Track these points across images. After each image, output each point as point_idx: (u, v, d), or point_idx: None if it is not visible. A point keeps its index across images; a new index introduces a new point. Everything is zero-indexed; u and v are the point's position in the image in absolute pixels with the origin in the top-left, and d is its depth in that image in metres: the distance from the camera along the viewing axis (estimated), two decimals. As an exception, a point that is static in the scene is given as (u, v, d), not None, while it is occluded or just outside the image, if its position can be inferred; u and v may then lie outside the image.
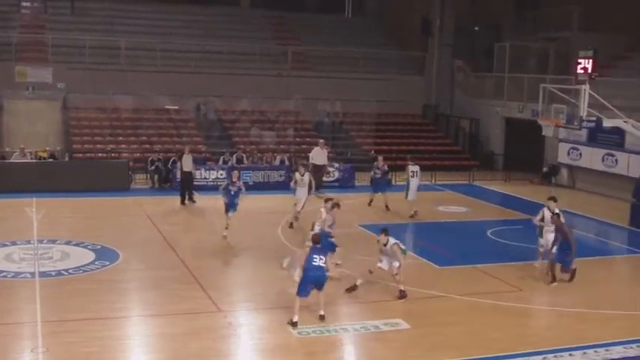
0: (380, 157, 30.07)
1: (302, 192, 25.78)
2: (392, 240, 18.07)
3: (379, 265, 18.25)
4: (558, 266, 19.67)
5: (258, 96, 39.26)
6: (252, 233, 24.24)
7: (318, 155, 32.02)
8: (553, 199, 20.53)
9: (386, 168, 29.46)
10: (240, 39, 42.17)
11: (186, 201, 29.00)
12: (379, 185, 29.22)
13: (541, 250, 20.54)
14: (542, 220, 20.21)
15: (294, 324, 15.70)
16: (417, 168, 27.76)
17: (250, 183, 31.76)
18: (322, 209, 20.21)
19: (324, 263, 16.32)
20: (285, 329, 15.49)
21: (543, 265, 20.24)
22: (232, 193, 23.62)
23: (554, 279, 19.50)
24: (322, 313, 16.23)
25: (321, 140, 33.12)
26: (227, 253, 21.60)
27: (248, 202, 29.07)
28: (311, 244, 16.70)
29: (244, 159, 33.45)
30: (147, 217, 26.39)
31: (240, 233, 24.01)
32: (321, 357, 14.42)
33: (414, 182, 27.46)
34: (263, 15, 46.46)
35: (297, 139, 38.23)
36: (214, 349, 14.58)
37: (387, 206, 28.54)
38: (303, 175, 25.94)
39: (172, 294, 17.83)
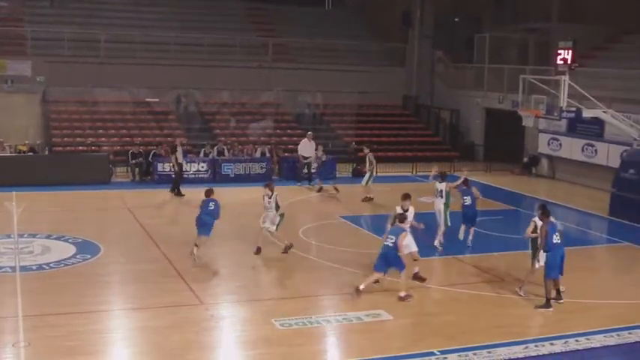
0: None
1: None
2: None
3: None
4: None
5: (239, 88, 39.20)
6: (234, 226, 24.18)
7: (306, 147, 32.08)
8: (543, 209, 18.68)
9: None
10: (220, 31, 42.03)
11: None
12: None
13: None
14: (535, 231, 19.18)
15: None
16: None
17: (232, 175, 31.80)
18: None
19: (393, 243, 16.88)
20: (267, 321, 15.49)
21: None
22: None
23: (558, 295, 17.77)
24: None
25: (310, 132, 33.14)
26: (210, 246, 21.52)
27: (230, 194, 29.12)
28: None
29: (225, 151, 33.41)
30: (128, 211, 26.30)
31: (222, 226, 23.95)
32: (303, 349, 14.41)
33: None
34: (243, 7, 46.32)
35: (278, 131, 38.19)
36: (196, 342, 14.56)
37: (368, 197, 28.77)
38: None
39: (154, 287, 17.81)
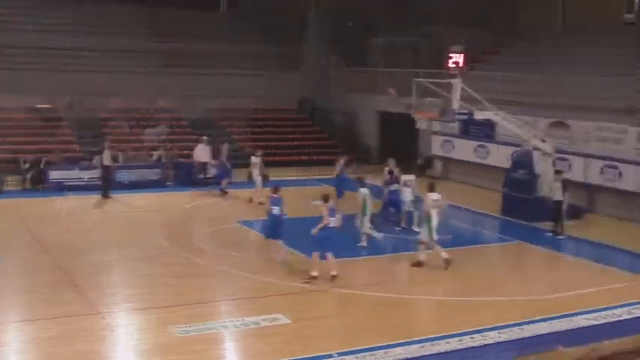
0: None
1: None
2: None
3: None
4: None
5: (134, 93, 38.63)
6: (129, 232, 23.89)
7: (202, 152, 31.88)
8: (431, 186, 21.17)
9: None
10: (114, 35, 41.35)
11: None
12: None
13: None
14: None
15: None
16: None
17: (126, 182, 31.33)
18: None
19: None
20: (164, 329, 15.33)
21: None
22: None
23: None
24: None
25: (204, 137, 32.90)
26: (104, 254, 21.21)
27: (125, 200, 28.78)
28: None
29: (119, 157, 32.89)
30: (21, 220, 25.64)
31: (117, 233, 23.67)
32: (201, 355, 14.31)
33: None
34: (138, 11, 45.58)
35: (173, 137, 37.79)
36: (92, 352, 14.29)
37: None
38: None
39: (48, 297, 17.36)
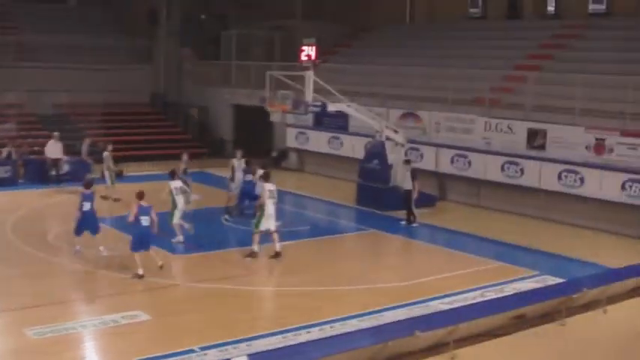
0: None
1: None
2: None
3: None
4: None
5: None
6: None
7: (53, 148, 31.00)
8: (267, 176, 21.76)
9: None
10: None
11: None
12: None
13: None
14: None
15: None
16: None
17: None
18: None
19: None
20: (19, 331, 14.85)
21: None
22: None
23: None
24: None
25: (56, 133, 31.94)
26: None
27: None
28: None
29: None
30: None
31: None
32: (60, 356, 13.92)
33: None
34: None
35: (23, 133, 36.56)
36: (-58, 359, 13.75)
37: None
38: None
39: None
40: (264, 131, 38.23)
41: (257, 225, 20.74)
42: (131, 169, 32.45)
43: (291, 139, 37.52)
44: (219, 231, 24.39)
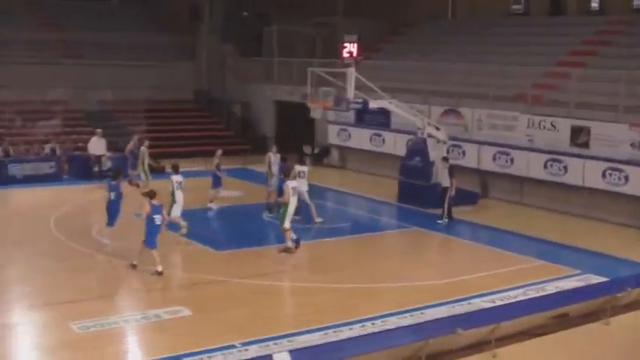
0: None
1: None
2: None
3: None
4: None
5: (25, 85, 37.59)
6: (23, 227, 23.37)
7: (96, 145, 31.37)
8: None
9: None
10: (3, 25, 40.02)
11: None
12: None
13: None
14: None
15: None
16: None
17: (19, 176, 30.51)
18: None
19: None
20: (64, 325, 15.05)
21: None
22: None
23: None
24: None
25: (99, 130, 32.35)
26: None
27: (17, 195, 28.10)
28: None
29: (11, 151, 32.06)
30: None
31: (10, 229, 23.12)
32: (103, 351, 14.10)
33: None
34: (27, 1, 44.45)
35: (67, 129, 37.00)
36: (-11, 352, 13.97)
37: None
38: None
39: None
40: (306, 128, 38.26)
41: (282, 222, 20.95)
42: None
43: (332, 135, 37.52)
44: (259, 227, 24.49)
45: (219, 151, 26.88)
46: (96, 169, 31.41)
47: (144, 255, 18.68)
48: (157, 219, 18.68)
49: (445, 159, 26.62)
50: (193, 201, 24.19)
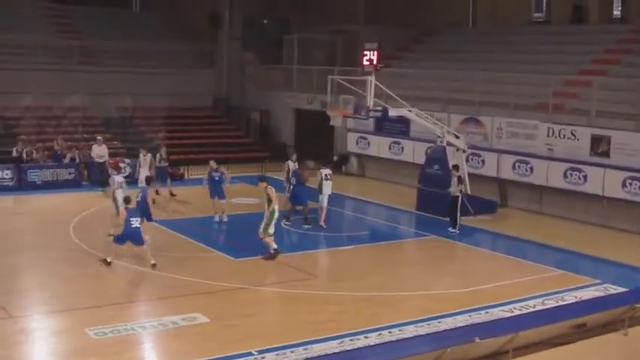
0: (164, 147, 30.17)
1: None
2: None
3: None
4: None
5: (43, 92, 37.74)
6: (42, 233, 23.44)
7: (98, 151, 31.37)
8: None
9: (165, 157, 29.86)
10: (20, 32, 40.28)
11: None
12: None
13: None
14: None
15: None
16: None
17: (38, 182, 30.67)
18: None
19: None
20: (81, 331, 15.07)
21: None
22: (216, 179, 25.34)
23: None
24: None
25: (99, 137, 32.43)
26: (16, 256, 20.75)
27: (37, 201, 28.21)
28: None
29: (34, 154, 32.14)
30: None
31: (30, 234, 23.21)
32: (120, 357, 14.11)
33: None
34: (44, 7, 44.62)
35: (86, 136, 37.10)
36: (6, 358, 13.94)
37: (171, 193, 29.45)
38: None
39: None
40: (325, 136, 38.19)
41: (265, 230, 20.91)
42: (193, 173, 32.70)
43: (351, 143, 37.45)
44: (277, 235, 24.41)
45: (212, 162, 26.89)
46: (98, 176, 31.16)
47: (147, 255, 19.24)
48: (134, 221, 19.68)
49: (455, 167, 26.40)
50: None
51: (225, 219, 25.59)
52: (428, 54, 40.36)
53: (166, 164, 29.96)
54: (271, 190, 21.10)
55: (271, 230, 20.91)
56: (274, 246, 21.00)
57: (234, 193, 28.13)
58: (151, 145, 32.23)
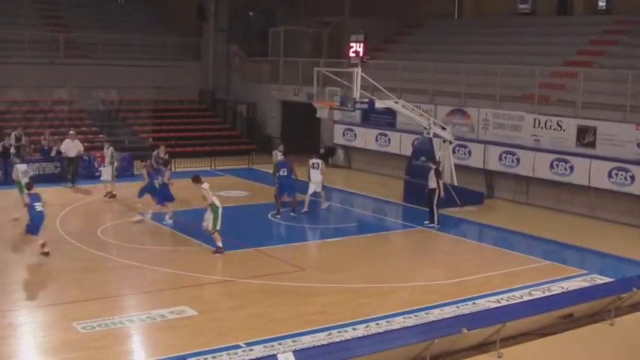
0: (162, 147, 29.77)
1: None
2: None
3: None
4: None
5: (29, 85, 37.55)
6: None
7: (70, 147, 31.07)
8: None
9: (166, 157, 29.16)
10: (5, 25, 40.09)
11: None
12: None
13: None
14: None
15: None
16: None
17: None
18: None
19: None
20: (69, 325, 15.04)
21: None
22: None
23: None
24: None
25: (72, 132, 32.15)
26: (3, 250, 20.69)
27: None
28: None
29: (23, 139, 31.86)
30: None
31: (15, 228, 23.10)
32: (108, 350, 14.08)
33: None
34: (30, 0, 44.47)
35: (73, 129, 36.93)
36: (-6, 352, 13.95)
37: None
38: None
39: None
40: (311, 128, 38.17)
41: (215, 225, 20.63)
42: (179, 166, 32.64)
43: (338, 135, 37.46)
44: (265, 227, 24.47)
45: (162, 147, 27.08)
46: (69, 174, 30.96)
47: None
48: (38, 205, 20.06)
49: (432, 160, 26.19)
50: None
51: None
52: (414, 46, 40.38)
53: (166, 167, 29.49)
54: (205, 191, 20.70)
55: (218, 225, 20.73)
56: (219, 244, 20.76)
57: (222, 185, 28.06)
58: (134, 140, 32.04)
